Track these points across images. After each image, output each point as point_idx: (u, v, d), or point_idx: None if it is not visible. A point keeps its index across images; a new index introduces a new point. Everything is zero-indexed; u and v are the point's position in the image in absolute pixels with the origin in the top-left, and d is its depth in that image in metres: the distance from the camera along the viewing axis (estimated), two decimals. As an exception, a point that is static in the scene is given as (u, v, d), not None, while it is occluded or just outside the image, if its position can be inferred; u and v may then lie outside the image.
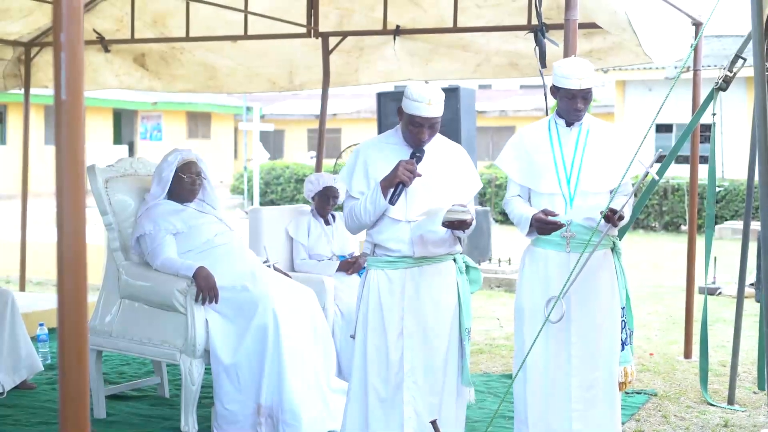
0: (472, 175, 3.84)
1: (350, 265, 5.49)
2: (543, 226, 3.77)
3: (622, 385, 3.96)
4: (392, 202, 3.60)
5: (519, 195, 3.99)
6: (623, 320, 3.93)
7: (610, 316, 3.89)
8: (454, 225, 3.56)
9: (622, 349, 3.92)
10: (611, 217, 3.69)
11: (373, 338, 3.70)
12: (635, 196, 3.97)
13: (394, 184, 3.58)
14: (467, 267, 3.82)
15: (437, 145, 3.76)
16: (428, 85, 3.63)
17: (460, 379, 3.79)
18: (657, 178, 3.77)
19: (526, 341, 3.86)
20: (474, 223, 3.63)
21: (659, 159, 3.85)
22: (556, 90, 3.89)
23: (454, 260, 3.77)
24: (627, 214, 3.85)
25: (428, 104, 3.57)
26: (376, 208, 3.63)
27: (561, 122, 3.95)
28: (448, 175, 3.74)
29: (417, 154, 3.65)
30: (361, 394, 3.73)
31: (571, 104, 3.85)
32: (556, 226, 3.76)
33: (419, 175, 3.60)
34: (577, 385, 3.86)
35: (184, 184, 4.68)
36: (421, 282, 3.69)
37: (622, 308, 3.92)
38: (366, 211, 3.65)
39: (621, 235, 4.23)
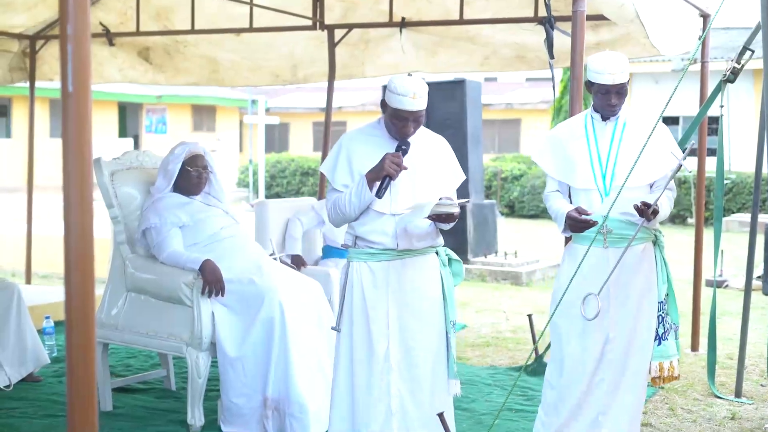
0: (455, 167, 3.82)
1: (300, 263, 5.70)
2: (575, 224, 3.77)
3: (657, 380, 3.95)
4: (379, 195, 3.57)
5: (557, 190, 3.99)
6: (661, 315, 3.91)
7: (647, 310, 3.89)
8: (441, 218, 3.53)
9: (660, 343, 3.91)
10: (645, 210, 3.67)
11: (358, 331, 3.68)
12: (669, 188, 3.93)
13: (381, 177, 3.54)
14: (450, 260, 3.79)
15: (420, 137, 3.73)
16: (412, 78, 3.58)
17: (447, 372, 3.76)
18: (689, 170, 3.76)
19: (562, 334, 3.89)
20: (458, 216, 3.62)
21: (692, 152, 3.83)
22: (590, 85, 3.88)
23: (437, 253, 3.75)
24: (667, 207, 3.84)
25: (412, 98, 3.53)
26: (361, 201, 3.59)
27: (597, 116, 3.92)
28: (432, 168, 3.71)
29: (403, 147, 3.60)
30: (347, 388, 3.71)
31: (604, 99, 3.83)
32: (588, 225, 3.75)
33: (405, 168, 3.57)
34: (610, 378, 3.87)
35: (191, 177, 4.67)
36: (405, 274, 3.66)
37: (660, 302, 3.90)
38: (351, 204, 3.61)
39: None
